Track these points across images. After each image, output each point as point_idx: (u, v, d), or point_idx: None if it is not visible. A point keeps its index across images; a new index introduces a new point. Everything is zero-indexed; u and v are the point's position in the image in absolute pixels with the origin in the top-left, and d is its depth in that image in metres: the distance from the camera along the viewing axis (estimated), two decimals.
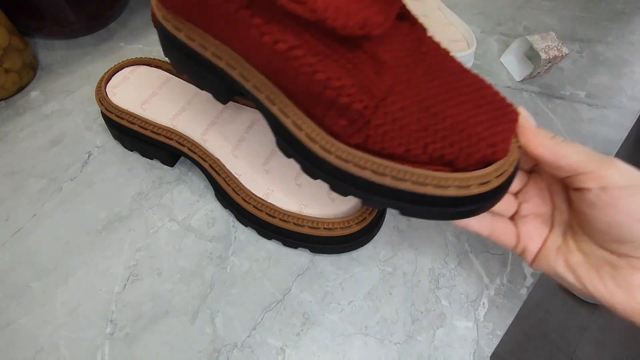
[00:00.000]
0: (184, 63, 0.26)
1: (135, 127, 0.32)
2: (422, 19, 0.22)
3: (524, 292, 0.31)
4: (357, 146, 0.21)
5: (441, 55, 0.22)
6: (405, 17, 0.22)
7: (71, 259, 0.30)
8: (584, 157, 0.20)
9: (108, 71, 0.34)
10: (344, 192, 0.22)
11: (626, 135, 0.43)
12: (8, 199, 0.32)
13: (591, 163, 0.20)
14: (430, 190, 0.20)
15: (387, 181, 0.20)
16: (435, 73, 0.21)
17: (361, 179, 0.21)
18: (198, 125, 0.32)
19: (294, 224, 0.28)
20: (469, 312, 0.30)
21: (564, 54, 0.42)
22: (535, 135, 0.21)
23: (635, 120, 0.44)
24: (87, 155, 0.35)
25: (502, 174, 0.20)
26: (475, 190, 0.19)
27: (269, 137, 0.29)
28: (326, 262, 0.31)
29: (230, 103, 0.34)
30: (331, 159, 0.21)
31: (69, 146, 0.36)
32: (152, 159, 0.35)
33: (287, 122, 0.22)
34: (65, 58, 0.42)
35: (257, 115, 0.33)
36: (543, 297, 1.14)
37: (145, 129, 0.32)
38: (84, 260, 0.30)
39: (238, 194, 0.29)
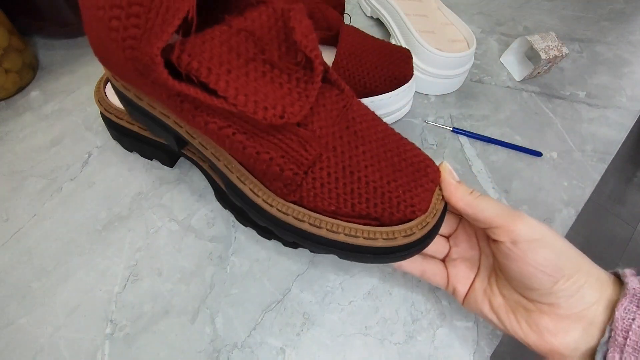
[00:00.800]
0: (136, 115, 0.28)
1: (135, 128, 0.32)
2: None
3: None
4: (294, 202, 0.23)
5: (367, 121, 0.24)
6: (333, 83, 0.24)
7: (71, 259, 0.30)
8: (497, 211, 0.22)
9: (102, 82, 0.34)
10: (288, 239, 0.24)
11: (626, 135, 0.43)
12: (8, 199, 0.32)
13: (503, 218, 0.22)
14: (361, 242, 0.22)
15: (323, 233, 0.22)
16: (361, 140, 0.23)
17: (301, 230, 0.23)
18: None
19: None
20: (469, 312, 0.30)
21: (564, 54, 0.42)
22: (456, 190, 0.23)
23: (635, 120, 0.44)
24: (87, 155, 0.35)
25: (425, 225, 0.22)
26: (400, 242, 0.22)
27: None
28: (326, 263, 0.31)
29: None
30: (273, 211, 0.23)
31: (69, 146, 0.36)
32: (151, 159, 0.35)
33: (232, 177, 0.25)
34: (65, 58, 0.42)
35: None
36: None
37: (145, 129, 0.32)
38: (84, 260, 0.30)
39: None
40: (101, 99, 0.33)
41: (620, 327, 0.19)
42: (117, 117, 0.32)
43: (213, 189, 0.32)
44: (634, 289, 0.19)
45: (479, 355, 0.28)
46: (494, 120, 0.42)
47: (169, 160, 0.34)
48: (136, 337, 0.27)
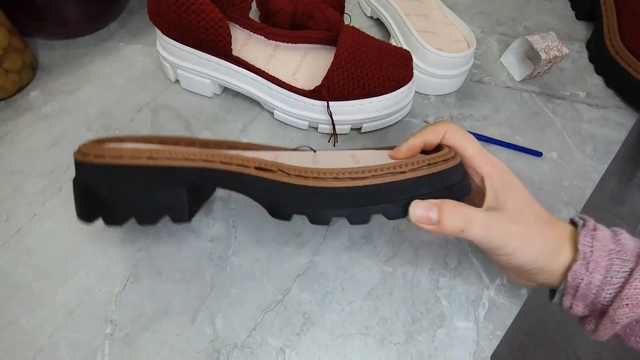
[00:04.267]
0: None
1: (143, 161, 0.24)
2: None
3: (524, 292, 0.31)
4: None
5: None
6: None
7: (71, 259, 0.30)
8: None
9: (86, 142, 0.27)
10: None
11: (626, 135, 0.43)
12: (8, 199, 0.32)
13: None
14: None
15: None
16: None
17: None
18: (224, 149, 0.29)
19: (374, 176, 0.22)
20: (469, 312, 0.30)
21: (564, 54, 0.42)
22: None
23: (635, 120, 0.44)
24: None
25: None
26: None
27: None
28: (326, 262, 0.31)
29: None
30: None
31: (69, 146, 0.35)
32: (157, 222, 0.26)
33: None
34: (65, 58, 0.42)
35: None
36: (543, 297, 1.14)
37: (158, 158, 0.24)
38: (84, 260, 0.30)
39: (307, 177, 0.22)
40: (85, 150, 0.25)
41: (571, 285, 0.23)
42: (115, 156, 0.24)
43: (266, 206, 0.25)
44: (584, 252, 0.23)
45: (479, 355, 0.28)
46: (494, 120, 0.42)
47: (191, 199, 0.26)
48: (136, 337, 0.27)
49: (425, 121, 0.41)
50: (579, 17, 0.54)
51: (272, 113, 0.39)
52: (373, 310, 0.29)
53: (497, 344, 0.28)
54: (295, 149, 0.30)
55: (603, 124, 0.43)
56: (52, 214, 0.32)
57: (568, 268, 0.23)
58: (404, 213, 0.22)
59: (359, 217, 0.22)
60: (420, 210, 0.22)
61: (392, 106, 0.37)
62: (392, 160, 0.24)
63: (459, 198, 0.23)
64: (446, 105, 0.43)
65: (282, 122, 0.39)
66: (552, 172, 0.39)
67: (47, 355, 0.26)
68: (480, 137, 0.40)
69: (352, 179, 0.22)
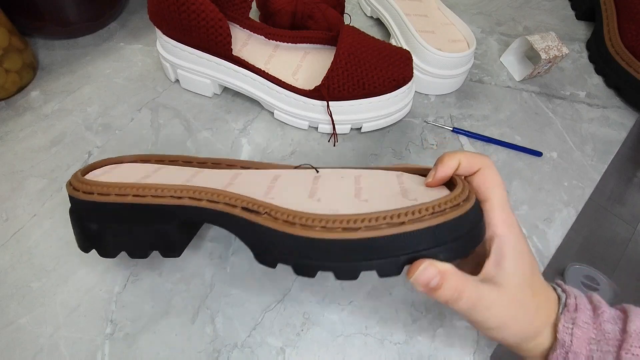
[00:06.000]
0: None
1: (129, 199, 0.24)
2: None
3: None
4: None
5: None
6: None
7: (71, 259, 0.30)
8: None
9: (79, 170, 0.27)
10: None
11: (626, 135, 0.43)
12: (8, 199, 0.32)
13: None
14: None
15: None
16: None
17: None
18: (219, 179, 0.27)
19: (367, 227, 0.19)
20: None
21: (564, 54, 0.42)
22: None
23: (635, 120, 0.44)
24: (87, 155, 0.35)
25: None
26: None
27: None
28: None
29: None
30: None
31: (69, 146, 0.36)
32: (147, 256, 0.26)
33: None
34: (65, 58, 0.42)
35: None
36: None
37: (144, 196, 0.24)
38: (84, 260, 0.30)
39: (295, 223, 0.20)
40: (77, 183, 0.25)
41: (560, 344, 0.22)
42: (102, 194, 0.24)
43: (251, 247, 0.23)
44: (563, 341, 0.22)
45: (479, 355, 0.28)
46: (494, 120, 0.42)
47: (179, 240, 0.26)
48: (136, 337, 0.27)
49: (425, 121, 0.41)
50: (579, 17, 0.54)
51: (272, 113, 0.39)
52: (373, 310, 0.29)
53: (497, 344, 0.28)
54: (297, 167, 0.29)
55: (603, 124, 0.43)
56: (52, 214, 0.32)
57: (547, 353, 0.22)
58: (399, 271, 0.19)
59: (347, 274, 0.19)
60: (422, 278, 0.19)
61: (392, 106, 0.37)
62: (390, 208, 0.19)
63: (465, 251, 0.19)
64: (446, 105, 0.43)
65: (282, 122, 0.39)
66: (552, 172, 0.39)
67: (47, 355, 0.26)
68: (480, 137, 0.40)
69: (343, 229, 0.19)
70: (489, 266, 0.21)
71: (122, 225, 0.25)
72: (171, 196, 0.24)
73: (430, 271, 0.19)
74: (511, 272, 0.21)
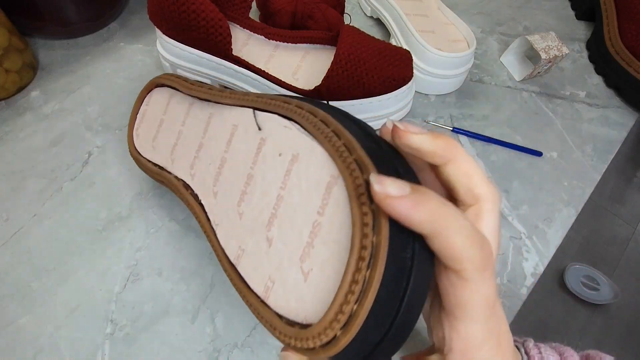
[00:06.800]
0: None
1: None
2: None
3: (524, 292, 0.31)
4: None
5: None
6: None
7: (71, 259, 0.30)
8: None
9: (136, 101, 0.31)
10: None
11: (626, 135, 0.43)
12: (8, 199, 0.32)
13: None
14: None
15: None
16: None
17: None
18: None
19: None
20: None
21: (564, 54, 0.42)
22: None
23: (635, 120, 0.44)
24: (87, 155, 0.35)
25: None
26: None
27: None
28: None
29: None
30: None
31: (69, 146, 0.36)
32: None
33: None
34: (65, 58, 0.42)
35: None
36: (543, 297, 1.14)
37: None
38: (84, 260, 0.30)
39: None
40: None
41: None
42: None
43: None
44: None
45: None
46: (494, 120, 0.42)
47: None
48: (136, 337, 0.27)
49: (425, 121, 0.41)
50: (579, 17, 0.54)
51: None
52: None
53: None
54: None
55: (603, 123, 0.43)
56: (52, 214, 0.32)
57: None
58: None
59: None
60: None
61: (392, 106, 0.37)
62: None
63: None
64: (446, 105, 0.43)
65: None
66: (552, 172, 0.39)
67: (47, 355, 0.26)
68: (480, 137, 0.40)
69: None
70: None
71: None
72: None
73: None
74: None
